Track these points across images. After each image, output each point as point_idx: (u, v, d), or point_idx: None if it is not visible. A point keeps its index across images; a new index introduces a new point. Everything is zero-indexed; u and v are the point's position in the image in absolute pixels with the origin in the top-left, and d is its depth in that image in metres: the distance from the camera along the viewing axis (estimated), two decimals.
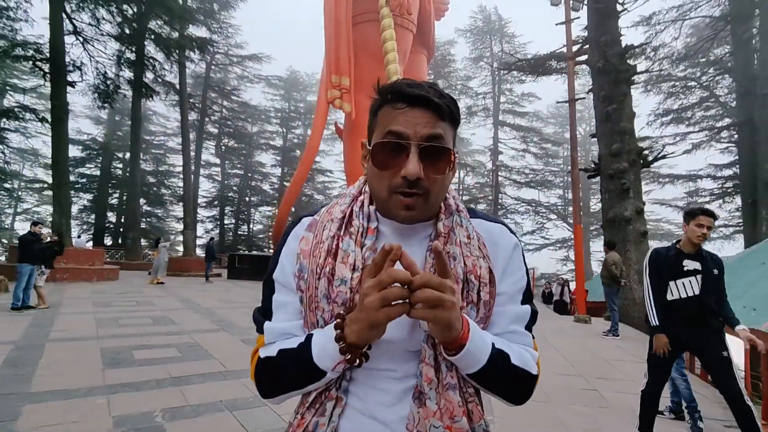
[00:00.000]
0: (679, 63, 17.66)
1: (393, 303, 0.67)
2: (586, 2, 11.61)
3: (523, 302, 0.89)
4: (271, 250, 23.65)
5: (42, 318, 7.20)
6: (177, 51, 19.44)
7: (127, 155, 28.67)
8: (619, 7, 11.58)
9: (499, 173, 32.65)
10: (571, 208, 35.18)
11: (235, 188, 40.87)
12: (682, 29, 15.41)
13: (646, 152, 11.59)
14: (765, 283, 7.20)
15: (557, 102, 13.99)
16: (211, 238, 21.29)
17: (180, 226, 35.63)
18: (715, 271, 3.07)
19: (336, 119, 23.97)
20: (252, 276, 18.12)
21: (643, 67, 15.39)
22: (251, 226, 43.12)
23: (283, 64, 63.72)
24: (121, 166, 33.92)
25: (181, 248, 25.22)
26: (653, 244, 13.75)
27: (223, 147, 39.08)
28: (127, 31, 18.89)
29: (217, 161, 39.29)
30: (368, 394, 0.80)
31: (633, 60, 13.04)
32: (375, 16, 19.54)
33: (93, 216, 32.20)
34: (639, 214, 10.99)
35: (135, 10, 19.03)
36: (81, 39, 17.44)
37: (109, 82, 18.79)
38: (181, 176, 36.64)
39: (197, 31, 23.47)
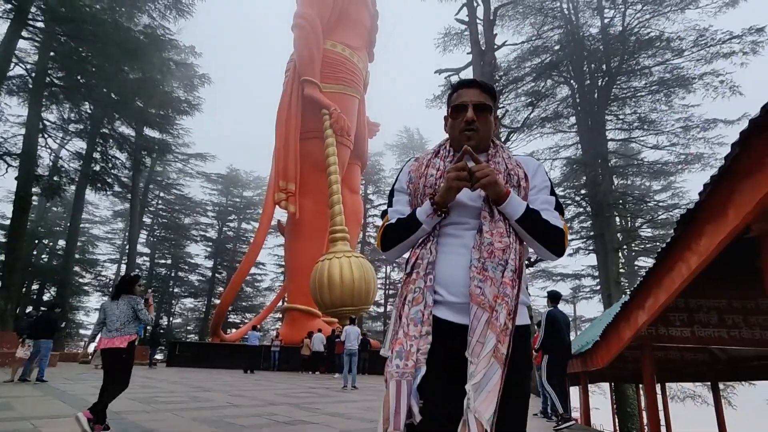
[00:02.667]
0: (558, 187, 23.07)
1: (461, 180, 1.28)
2: None
3: (551, 194, 1.41)
4: (208, 339, 23.92)
5: None
6: (142, 152, 21.41)
7: (60, 242, 28.32)
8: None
9: None
10: None
11: (161, 279, 40.25)
12: (555, 163, 20.63)
13: (529, 256, 15.40)
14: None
15: None
16: (156, 326, 21.55)
17: (88, 318, 34.16)
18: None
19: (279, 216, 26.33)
20: (194, 363, 18.51)
21: None
22: (171, 318, 41.79)
23: (224, 162, 66.36)
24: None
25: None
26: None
27: (153, 238, 39.26)
28: (88, 128, 20.62)
29: (147, 251, 39.08)
30: (452, 236, 1.35)
31: None
32: (319, 134, 23.23)
33: None
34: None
35: (96, 111, 20.90)
36: (46, 136, 18.95)
37: (63, 176, 19.98)
38: (105, 265, 35.94)
39: (151, 132, 25.73)
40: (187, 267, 41.31)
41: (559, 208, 1.40)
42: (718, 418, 7.66)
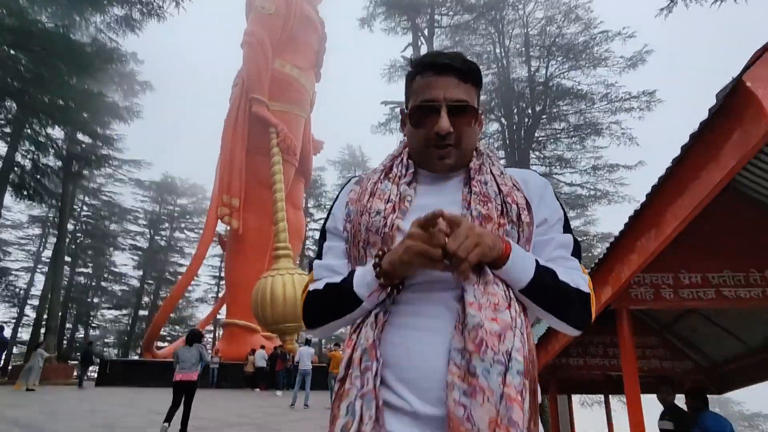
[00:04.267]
0: None
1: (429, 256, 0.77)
2: None
3: (565, 231, 0.97)
4: (141, 355, 23.12)
5: None
6: (74, 161, 20.52)
7: None
8: None
9: None
10: None
11: (80, 288, 37.67)
12: None
13: None
14: None
15: None
16: (90, 342, 20.52)
17: None
18: None
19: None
20: (127, 382, 17.96)
21: None
22: (87, 331, 39.18)
23: (160, 169, 63.25)
24: None
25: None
26: None
27: (74, 245, 36.74)
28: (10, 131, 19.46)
29: (67, 259, 36.37)
30: (410, 311, 0.86)
31: None
32: (265, 150, 23.66)
33: None
34: None
35: (24, 113, 19.80)
36: None
37: None
38: (17, 274, 33.18)
39: (84, 138, 24.49)
40: (111, 277, 39.09)
41: (577, 251, 0.97)
42: (608, 423, 9.44)
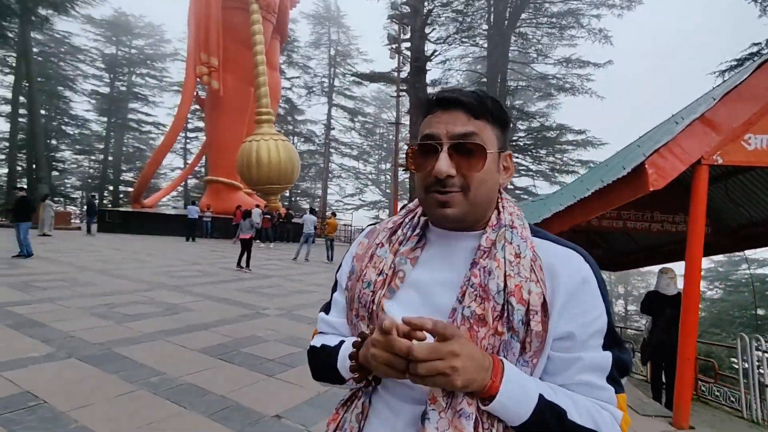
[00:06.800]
0: None
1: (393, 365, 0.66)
2: (410, 59, 18.14)
3: (604, 348, 0.73)
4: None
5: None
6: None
7: None
8: (428, 65, 18.47)
9: (330, 144, 38.94)
10: (382, 177, 44.18)
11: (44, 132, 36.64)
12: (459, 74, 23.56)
13: None
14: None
15: (388, 123, 20.49)
16: (93, 195, 21.68)
17: None
18: None
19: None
20: (124, 230, 20.17)
21: None
22: (50, 173, 39.35)
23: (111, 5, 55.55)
24: None
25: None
26: None
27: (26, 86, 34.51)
28: None
29: (22, 100, 34.46)
30: (387, 410, 0.78)
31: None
32: (243, 4, 22.61)
33: None
34: None
35: None
36: None
37: None
38: None
39: None
40: (71, 121, 37.93)
41: (620, 372, 0.75)
42: None
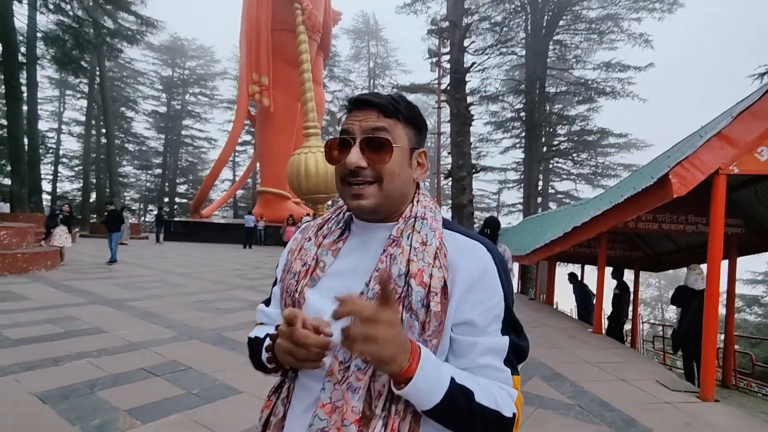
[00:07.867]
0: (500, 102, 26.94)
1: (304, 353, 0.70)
2: (449, 71, 18.90)
3: (503, 332, 0.80)
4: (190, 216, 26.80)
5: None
6: (104, 35, 21.17)
7: None
8: (468, 76, 19.15)
9: None
10: (422, 184, 45.03)
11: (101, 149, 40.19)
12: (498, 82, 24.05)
13: (475, 164, 19.73)
14: (526, 237, 15.52)
15: (429, 133, 21.30)
16: (160, 207, 23.78)
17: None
18: None
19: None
20: (187, 239, 22.06)
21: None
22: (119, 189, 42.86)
23: (168, 31, 59.86)
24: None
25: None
26: (478, 214, 22.58)
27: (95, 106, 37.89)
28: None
29: (82, 118, 38.04)
30: (303, 391, 0.83)
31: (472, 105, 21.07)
32: (290, 26, 24.18)
33: None
34: (470, 202, 19.06)
35: None
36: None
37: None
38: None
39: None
40: (133, 139, 41.20)
41: (516, 355, 0.82)
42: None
